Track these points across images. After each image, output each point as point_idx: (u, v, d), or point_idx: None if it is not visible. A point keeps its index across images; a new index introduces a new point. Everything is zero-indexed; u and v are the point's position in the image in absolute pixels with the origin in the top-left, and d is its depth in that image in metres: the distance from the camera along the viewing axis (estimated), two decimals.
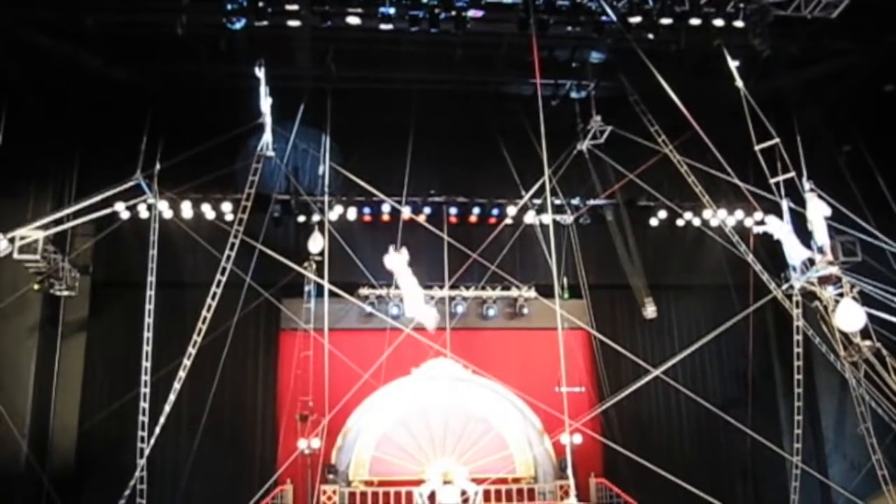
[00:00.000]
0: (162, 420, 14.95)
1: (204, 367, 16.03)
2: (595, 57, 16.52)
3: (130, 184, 16.21)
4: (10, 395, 15.82)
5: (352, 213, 18.81)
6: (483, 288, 19.58)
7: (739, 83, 13.60)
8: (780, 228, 13.22)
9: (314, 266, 17.46)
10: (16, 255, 15.50)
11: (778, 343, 19.73)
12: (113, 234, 17.53)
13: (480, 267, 18.04)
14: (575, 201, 19.20)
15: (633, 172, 17.08)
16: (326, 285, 15.55)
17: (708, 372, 20.16)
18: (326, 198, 17.19)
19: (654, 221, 19.54)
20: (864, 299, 13.61)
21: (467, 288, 19.47)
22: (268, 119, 15.53)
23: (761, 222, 14.19)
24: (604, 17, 14.63)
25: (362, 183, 16.80)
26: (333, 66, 16.10)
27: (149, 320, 15.87)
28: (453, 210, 19.20)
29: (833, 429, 18.59)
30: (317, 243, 17.29)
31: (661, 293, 20.55)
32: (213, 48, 15.39)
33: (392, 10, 14.16)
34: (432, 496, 17.50)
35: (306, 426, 17.65)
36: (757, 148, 13.38)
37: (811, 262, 12.96)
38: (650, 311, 18.23)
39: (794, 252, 12.99)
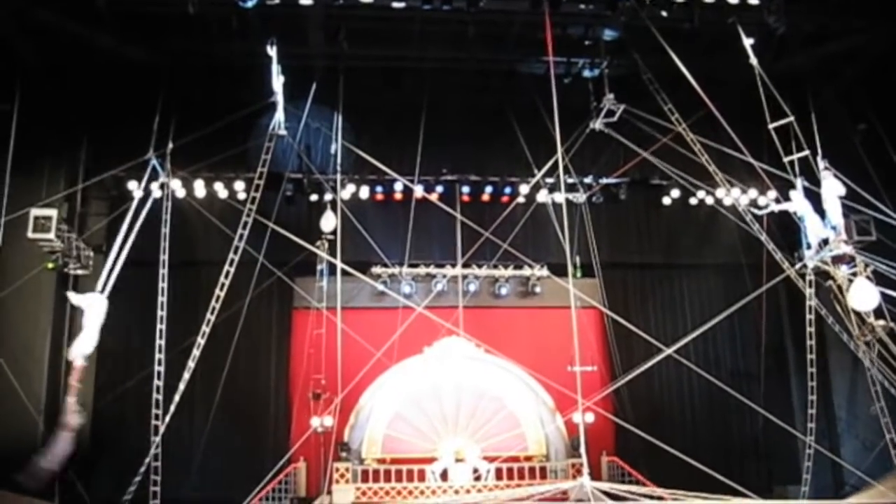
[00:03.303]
0: (176, 398, 15.01)
1: (217, 345, 16.10)
2: (608, 35, 16.38)
3: (145, 163, 16.22)
4: (25, 372, 15.91)
5: (364, 192, 18.86)
6: (495, 266, 19.61)
7: (754, 61, 13.50)
8: (804, 205, 13.15)
9: (326, 245, 17.47)
10: (30, 234, 15.58)
11: (791, 322, 19.68)
12: (126, 212, 17.57)
13: (493, 245, 18.05)
14: (587, 180, 19.18)
15: (647, 151, 16.99)
16: (339, 264, 15.56)
17: (720, 351, 20.18)
18: (339, 176, 17.17)
19: (667, 200, 19.55)
20: (878, 278, 13.49)
21: (479, 266, 19.51)
22: (280, 98, 15.47)
23: (786, 198, 14.02)
24: None
25: (374, 161, 16.76)
26: (345, 45, 16.02)
27: (162, 299, 15.91)
28: (465, 188, 19.23)
29: (845, 408, 18.54)
30: (329, 222, 17.27)
31: (673, 272, 20.65)
32: (226, 27, 15.33)
33: None
34: (444, 474, 17.64)
35: (319, 404, 17.75)
36: (771, 126, 13.28)
37: (825, 241, 12.90)
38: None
39: (815, 229, 12.93)
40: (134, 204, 14.96)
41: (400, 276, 19.04)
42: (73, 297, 13.04)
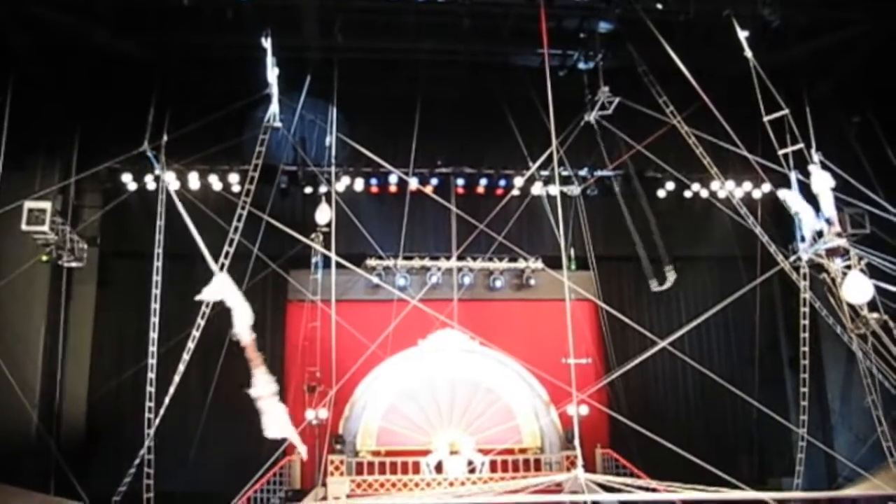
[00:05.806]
0: (171, 391, 15.00)
1: (212, 338, 16.04)
2: (603, 27, 16.38)
3: (141, 156, 16.19)
4: (19, 365, 15.89)
5: (359, 184, 18.85)
6: (490, 259, 19.62)
7: (749, 53, 13.48)
8: (796, 200, 13.14)
9: (321, 237, 17.44)
10: (24, 227, 15.55)
11: (785, 315, 19.74)
12: (120, 204, 17.56)
13: (487, 238, 18.00)
14: (582, 172, 19.18)
15: (641, 143, 16.98)
16: (333, 256, 15.55)
17: (715, 343, 20.19)
18: (333, 169, 17.15)
19: (661, 193, 19.54)
20: (872, 271, 13.53)
21: (474, 259, 19.50)
22: (275, 90, 15.47)
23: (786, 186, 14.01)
24: None
25: (369, 154, 16.75)
26: (340, 37, 16.01)
27: (156, 291, 15.90)
28: (460, 181, 19.25)
29: (839, 401, 18.59)
30: (324, 214, 17.23)
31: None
32: (220, 19, 15.32)
33: None
34: (439, 466, 17.65)
35: (314, 397, 17.77)
36: (766, 119, 13.28)
37: (819, 233, 12.90)
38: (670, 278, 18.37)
39: (811, 223, 12.92)
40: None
41: (394, 268, 19.04)
42: (206, 295, 13.06)
